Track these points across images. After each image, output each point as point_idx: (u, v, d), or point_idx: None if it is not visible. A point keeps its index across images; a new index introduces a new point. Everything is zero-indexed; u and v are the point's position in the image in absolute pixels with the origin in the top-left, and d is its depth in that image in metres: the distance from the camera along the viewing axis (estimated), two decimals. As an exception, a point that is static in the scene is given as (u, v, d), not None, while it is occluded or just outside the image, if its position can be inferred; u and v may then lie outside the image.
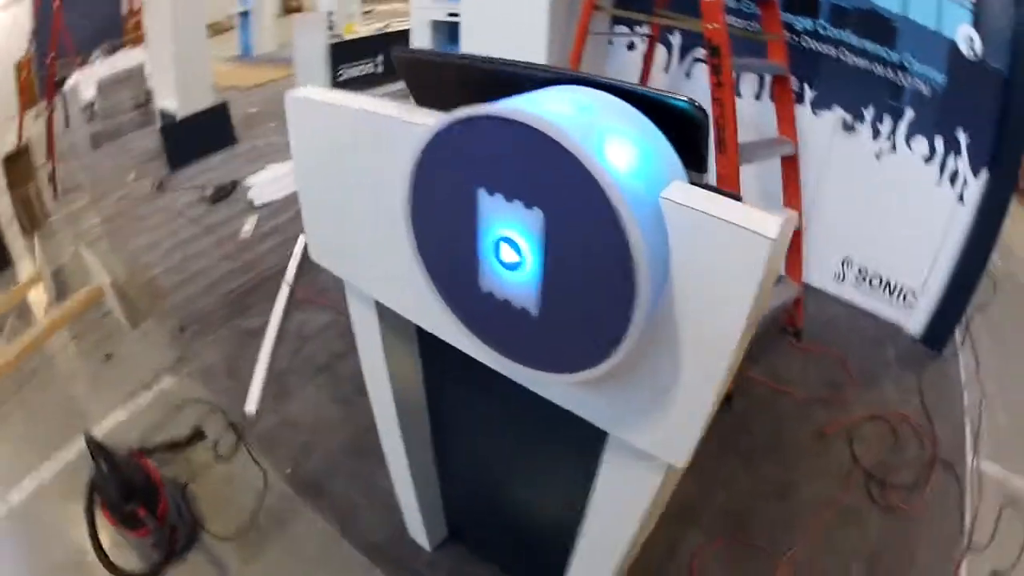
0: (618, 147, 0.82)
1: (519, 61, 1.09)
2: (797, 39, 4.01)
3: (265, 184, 5.01)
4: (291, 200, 4.77)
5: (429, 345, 1.67)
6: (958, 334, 4.48)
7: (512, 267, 0.91)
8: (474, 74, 1.17)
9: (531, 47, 4.08)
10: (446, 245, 1.00)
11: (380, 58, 7.34)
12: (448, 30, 4.95)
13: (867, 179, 4.15)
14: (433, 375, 1.81)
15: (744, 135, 3.23)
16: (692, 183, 0.88)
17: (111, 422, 3.09)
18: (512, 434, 1.79)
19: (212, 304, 3.84)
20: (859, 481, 3.42)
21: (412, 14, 5.05)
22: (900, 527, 3.24)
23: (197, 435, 2.94)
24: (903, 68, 3.86)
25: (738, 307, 0.85)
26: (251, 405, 3.13)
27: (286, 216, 4.70)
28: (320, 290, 3.97)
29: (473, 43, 4.29)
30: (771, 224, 0.80)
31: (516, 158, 0.82)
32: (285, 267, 4.11)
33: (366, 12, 9.63)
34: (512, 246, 0.89)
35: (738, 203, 0.85)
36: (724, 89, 3.11)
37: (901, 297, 4.39)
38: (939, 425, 3.85)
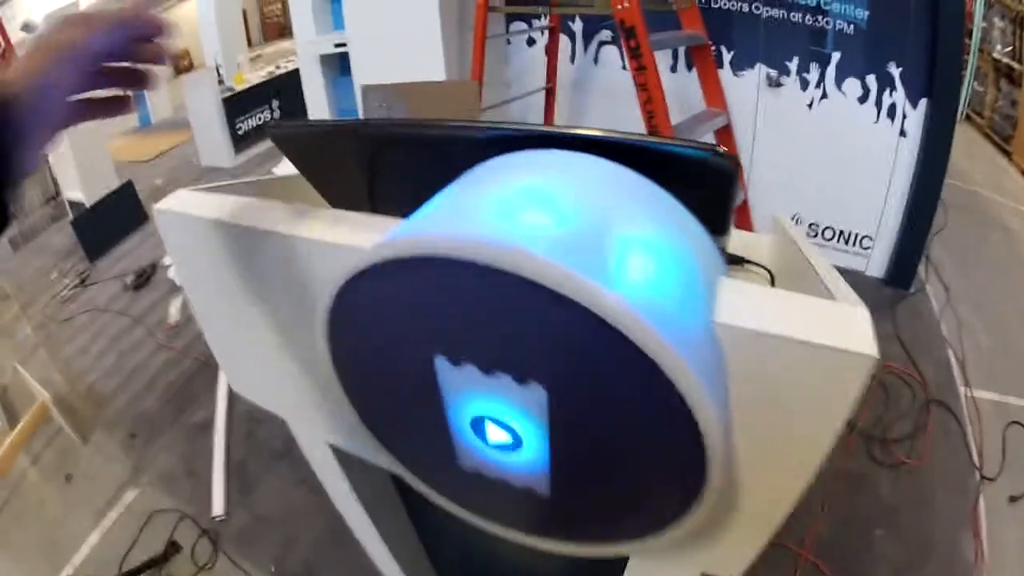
0: (652, 271, 0.49)
1: (435, 122, 0.78)
2: (706, 2, 3.75)
3: None
4: None
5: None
6: (921, 268, 4.36)
7: (504, 448, 0.58)
8: (377, 141, 0.85)
9: (427, 64, 3.80)
10: (399, 418, 0.67)
11: (276, 103, 6.96)
12: (338, 63, 4.62)
13: (802, 131, 3.92)
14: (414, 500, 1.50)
15: (672, 115, 2.99)
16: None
17: (87, 548, 2.89)
18: (514, 552, 1.50)
19: (156, 403, 3.57)
20: (860, 445, 3.27)
21: (298, 52, 4.69)
22: (911, 481, 3.11)
23: (173, 548, 2.75)
24: (822, 11, 3.65)
25: (824, 430, 0.62)
26: (218, 507, 2.91)
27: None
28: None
29: (365, 71, 3.98)
30: (867, 337, 0.57)
31: (490, 316, 0.50)
32: None
33: (254, 58, 9.27)
34: (500, 425, 0.56)
35: (809, 302, 0.60)
36: (647, 72, 2.85)
37: (858, 243, 4.22)
38: (924, 365, 3.71)
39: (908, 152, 3.77)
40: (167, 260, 4.70)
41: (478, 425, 0.58)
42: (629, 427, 0.52)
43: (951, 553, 2.81)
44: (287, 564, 2.69)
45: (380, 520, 1.47)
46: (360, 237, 0.68)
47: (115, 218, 5.20)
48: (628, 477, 0.57)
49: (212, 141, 6.32)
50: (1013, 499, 3.06)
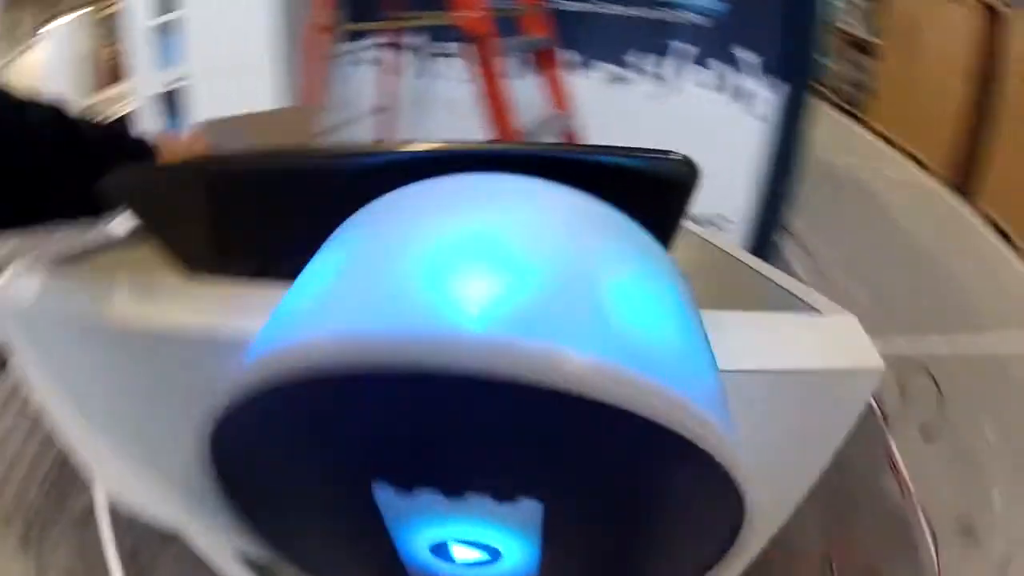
0: (666, 334, 0.37)
1: (307, 150, 0.64)
2: (547, 2, 3.67)
3: None
4: None
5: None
6: (783, 241, 4.48)
7: (478, 564, 0.45)
8: (236, 179, 0.70)
9: (264, 93, 3.65)
10: (324, 553, 0.52)
11: (114, 151, 6.57)
12: (173, 103, 4.34)
13: (653, 126, 3.87)
14: None
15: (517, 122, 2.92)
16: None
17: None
18: None
19: (40, 492, 3.14)
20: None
21: (134, 94, 4.46)
22: None
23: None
24: (670, 5, 3.65)
25: (823, 448, 0.62)
26: None
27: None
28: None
29: (203, 106, 3.79)
30: (869, 348, 0.55)
31: (455, 429, 0.34)
32: None
33: (92, 105, 8.73)
34: (473, 546, 0.42)
35: (800, 321, 0.55)
36: (495, 81, 2.76)
37: (716, 226, 4.28)
38: (801, 331, 3.80)
39: (764, 134, 3.83)
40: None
41: (440, 549, 0.44)
42: (655, 515, 0.40)
43: (874, 494, 2.93)
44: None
45: None
46: (236, 324, 0.52)
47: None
48: (644, 554, 0.45)
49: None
50: (924, 430, 3.18)
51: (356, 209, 0.49)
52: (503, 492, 0.36)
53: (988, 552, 2.65)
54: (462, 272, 0.35)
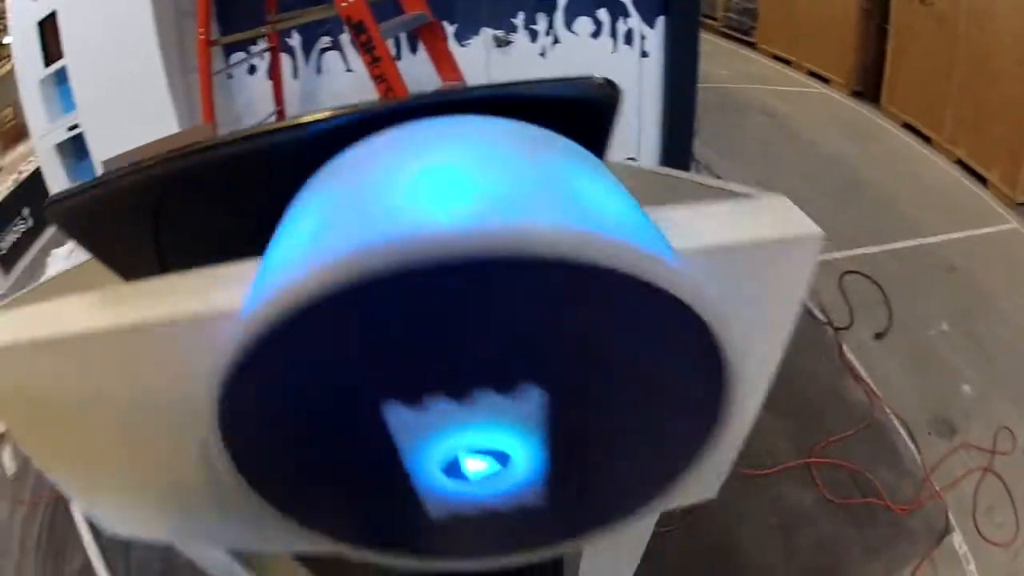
0: (614, 207, 0.41)
1: (247, 132, 0.66)
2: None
3: None
4: None
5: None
6: (692, 169, 4.57)
7: (488, 475, 0.48)
8: (175, 180, 0.70)
9: (160, 119, 3.54)
10: (335, 499, 0.53)
11: (27, 211, 6.36)
12: (73, 149, 4.25)
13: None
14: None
15: None
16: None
17: None
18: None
19: (32, 564, 3.26)
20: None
21: (36, 147, 4.35)
22: None
23: None
24: None
25: (782, 322, 0.63)
26: None
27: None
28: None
29: (103, 146, 3.67)
30: (800, 216, 0.58)
31: (461, 326, 0.37)
32: None
33: (-1, 171, 8.50)
34: (483, 454, 0.45)
35: (736, 205, 0.58)
36: (384, 63, 2.81)
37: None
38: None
39: (653, 70, 3.91)
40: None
41: (453, 468, 0.47)
42: (646, 389, 0.44)
43: (840, 402, 3.04)
44: None
45: None
46: (226, 295, 0.53)
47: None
48: (638, 443, 0.49)
49: (-35, 269, 5.75)
50: (878, 335, 3.33)
51: (294, 182, 0.51)
52: (505, 381, 0.39)
53: (969, 442, 2.86)
54: (435, 184, 0.38)
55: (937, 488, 2.69)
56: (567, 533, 0.59)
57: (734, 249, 0.52)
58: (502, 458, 0.46)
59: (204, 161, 0.71)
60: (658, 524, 2.40)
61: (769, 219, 0.55)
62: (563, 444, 0.46)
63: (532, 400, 0.41)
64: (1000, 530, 2.56)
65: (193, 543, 1.01)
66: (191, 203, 0.74)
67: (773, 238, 0.52)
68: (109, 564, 3.05)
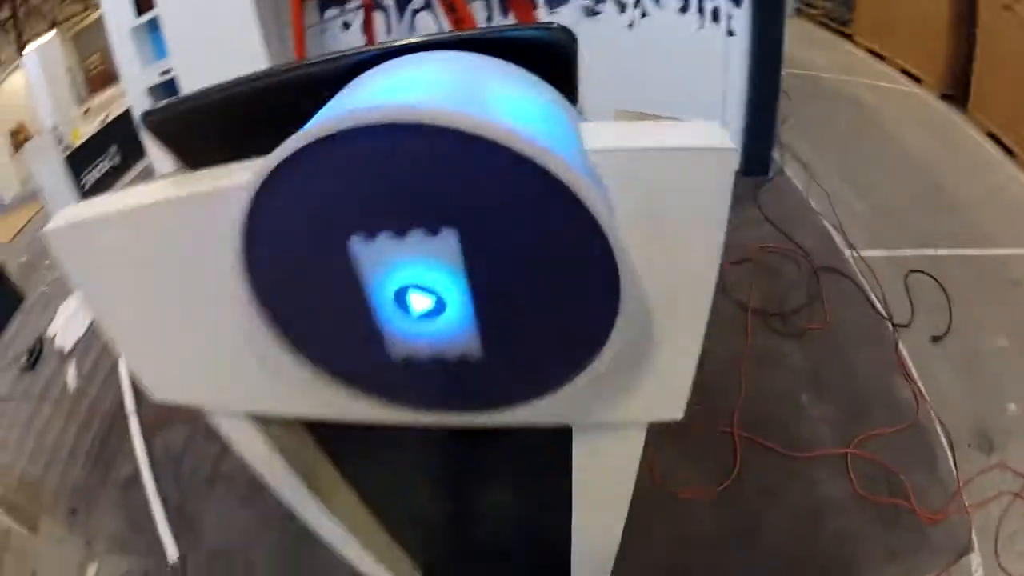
0: (523, 111, 0.56)
1: (314, 59, 0.82)
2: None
3: (65, 327, 4.62)
4: (93, 331, 4.46)
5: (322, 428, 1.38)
6: (776, 154, 4.58)
7: (430, 315, 0.64)
8: (265, 96, 0.88)
9: (253, 67, 3.72)
10: (327, 325, 0.70)
11: (114, 149, 6.83)
12: (165, 92, 4.50)
13: (628, 53, 4.07)
14: (345, 457, 1.54)
15: None
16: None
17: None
18: (453, 467, 1.59)
19: (83, 471, 3.53)
20: (758, 325, 3.43)
21: (127, 90, 4.58)
22: (821, 345, 3.29)
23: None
24: None
25: (711, 231, 0.71)
26: (171, 552, 2.96)
27: (99, 345, 4.31)
28: (164, 407, 3.61)
29: (193, 89, 3.91)
30: (722, 133, 0.67)
31: (396, 177, 0.54)
32: (121, 399, 3.82)
33: (85, 112, 9.02)
34: (422, 290, 0.62)
35: (668, 123, 0.69)
36: (467, 26, 2.96)
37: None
38: (801, 239, 3.92)
39: (738, 49, 3.98)
40: (51, 331, 4.67)
41: (401, 299, 0.62)
42: (543, 255, 0.59)
43: (888, 398, 3.04)
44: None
45: (319, 490, 1.47)
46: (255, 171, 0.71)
47: (-8, 309, 5.07)
48: (550, 309, 0.63)
49: (62, 204, 6.11)
50: (936, 339, 3.32)
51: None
52: (431, 226, 0.55)
53: (1006, 463, 2.82)
54: (412, 86, 0.56)
55: (967, 503, 2.68)
56: (505, 394, 0.74)
57: (649, 152, 0.64)
58: (440, 302, 0.62)
59: (259, 86, 0.90)
60: (692, 491, 2.51)
61: (691, 134, 0.66)
62: (486, 297, 0.61)
63: (451, 244, 0.56)
64: (1020, 560, 2.53)
65: (221, 407, 1.19)
66: (250, 118, 0.92)
67: (688, 146, 0.64)
68: (156, 474, 3.32)
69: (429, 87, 0.55)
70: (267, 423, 1.25)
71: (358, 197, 0.56)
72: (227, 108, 0.94)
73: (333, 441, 1.48)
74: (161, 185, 0.85)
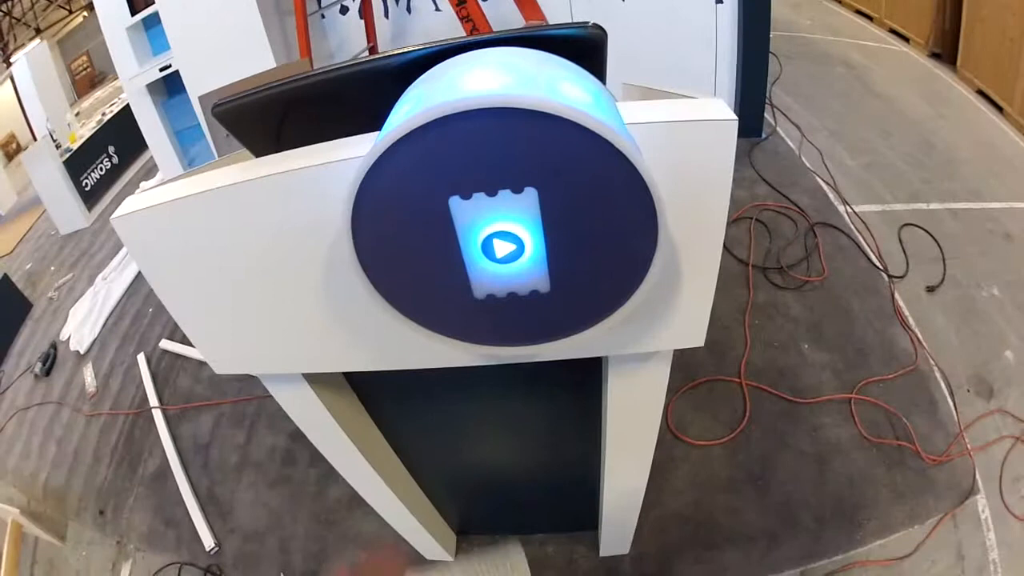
0: (583, 94, 0.74)
1: (376, 56, 0.99)
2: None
3: (77, 330, 4.69)
4: (107, 330, 4.61)
5: (370, 389, 1.58)
6: (768, 115, 4.76)
7: (510, 259, 0.83)
8: (331, 89, 1.05)
9: (256, 57, 3.92)
10: (420, 277, 0.88)
11: (112, 148, 6.96)
12: (164, 87, 4.73)
13: (621, 22, 4.24)
14: (384, 412, 1.71)
15: None
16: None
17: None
18: (492, 416, 1.74)
19: (108, 471, 3.61)
20: (758, 279, 3.62)
21: (125, 88, 4.77)
22: (820, 296, 3.48)
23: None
24: None
25: (720, 188, 0.90)
26: (207, 540, 3.03)
27: (113, 346, 4.45)
28: (185, 397, 3.82)
29: (199, 83, 4.07)
30: (725, 108, 0.86)
31: (490, 149, 0.72)
32: (144, 394, 3.91)
33: (77, 114, 9.11)
34: (506, 238, 0.81)
35: (681, 99, 0.88)
36: (469, 4, 3.13)
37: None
38: (796, 196, 4.11)
39: (727, 16, 4.13)
40: (64, 333, 4.73)
41: (487, 247, 0.82)
42: (601, 206, 0.78)
43: (887, 346, 3.21)
44: (293, 565, 2.85)
45: (359, 442, 1.63)
46: (351, 151, 0.89)
47: (2, 319, 5.16)
48: (604, 249, 0.82)
49: (64, 207, 6.30)
50: (931, 288, 3.49)
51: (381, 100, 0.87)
52: (516, 185, 0.75)
53: (1005, 408, 2.98)
54: (484, 76, 0.74)
55: (969, 447, 2.81)
56: (569, 323, 0.92)
57: (670, 124, 0.84)
58: (520, 245, 0.81)
59: (318, 81, 1.08)
60: (706, 439, 2.68)
61: (698, 109, 0.85)
62: (555, 240, 0.81)
63: (532, 199, 0.76)
64: (1023, 503, 2.64)
65: (276, 371, 1.34)
66: (306, 110, 1.10)
67: (695, 119, 0.83)
68: (185, 464, 3.43)
69: (507, 77, 0.73)
70: (322, 387, 1.42)
71: (458, 167, 0.74)
72: (289, 100, 1.11)
73: (378, 402, 1.66)
74: (232, 170, 0.98)
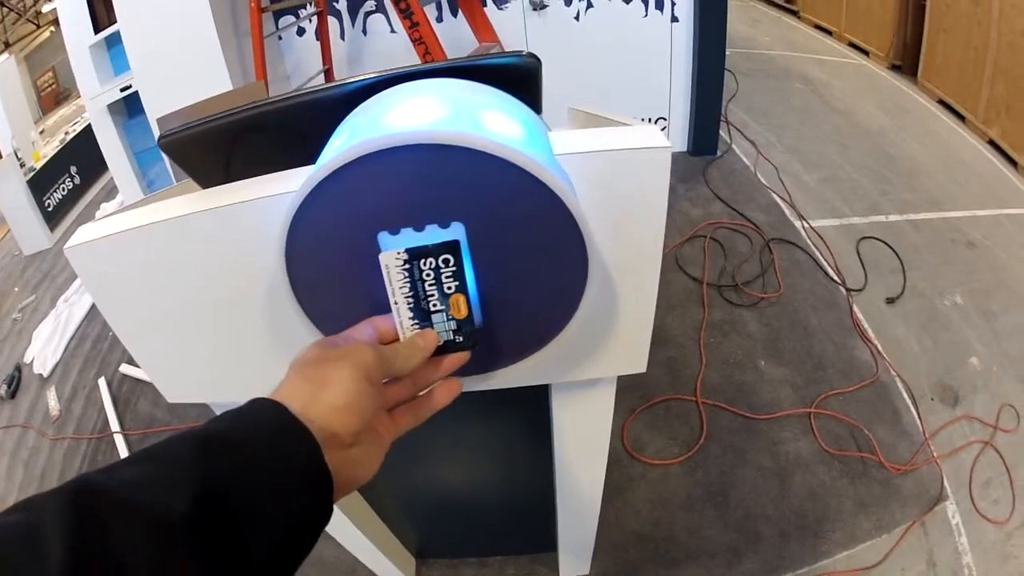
0: (511, 127, 0.76)
1: (320, 86, 1.00)
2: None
3: (40, 352, 4.64)
4: (70, 353, 4.57)
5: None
6: (724, 133, 4.81)
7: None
8: (278, 119, 1.05)
9: (213, 78, 3.93)
10: (353, 310, 0.86)
11: (74, 169, 6.90)
12: (125, 107, 4.70)
13: (576, 42, 4.35)
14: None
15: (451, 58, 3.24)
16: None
17: None
18: (445, 441, 1.74)
19: None
20: (713, 297, 3.64)
21: (87, 108, 4.70)
22: (776, 312, 3.51)
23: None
24: None
25: (655, 214, 0.92)
26: None
27: (75, 369, 4.40)
28: (146, 422, 3.80)
29: (158, 104, 4.03)
30: (659, 135, 0.88)
31: (416, 184, 0.73)
32: (105, 419, 3.89)
33: (41, 132, 9.00)
34: None
35: (616, 127, 0.90)
36: (422, 27, 3.14)
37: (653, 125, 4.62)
38: (751, 213, 4.15)
39: (683, 34, 4.23)
40: (28, 357, 4.69)
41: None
42: (529, 240, 0.78)
43: (846, 360, 3.24)
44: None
45: None
46: (289, 184, 0.90)
47: (-38, 340, 5.03)
48: (534, 282, 0.83)
49: (27, 228, 6.20)
50: (890, 300, 3.55)
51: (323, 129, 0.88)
52: (443, 220, 0.75)
53: (972, 414, 3.01)
54: (424, 111, 0.75)
55: (935, 454, 2.84)
56: (504, 355, 0.93)
57: (603, 153, 0.85)
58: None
59: (263, 112, 1.08)
60: (663, 458, 2.70)
61: (633, 137, 0.87)
62: (485, 274, 0.81)
63: (459, 233, 0.76)
64: (995, 507, 2.66)
65: (230, 402, 1.31)
66: (252, 140, 1.10)
67: (628, 147, 0.84)
68: None
69: (434, 111, 0.74)
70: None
71: (383, 202, 0.74)
72: (234, 131, 1.10)
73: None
74: (178, 202, 0.99)
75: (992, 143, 4.81)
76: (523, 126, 0.77)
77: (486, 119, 0.74)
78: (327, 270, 0.83)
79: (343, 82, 0.98)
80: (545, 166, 0.71)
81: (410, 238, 0.77)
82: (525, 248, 0.79)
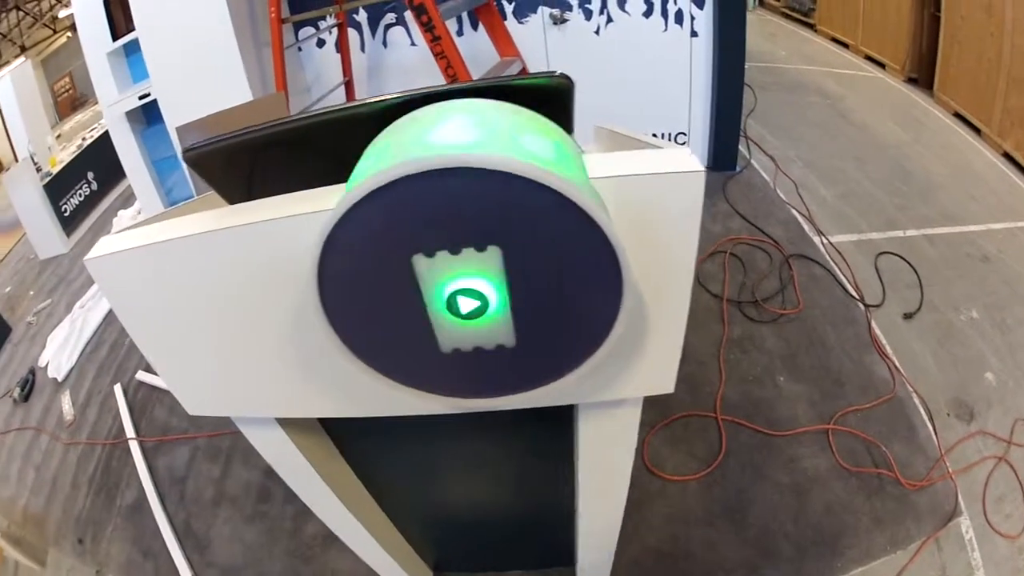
0: (547, 151, 0.75)
1: (345, 104, 0.99)
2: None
3: (56, 356, 4.64)
4: (85, 358, 4.56)
5: (343, 431, 1.57)
6: (743, 147, 4.79)
7: (475, 315, 0.82)
8: (306, 136, 1.04)
9: (233, 89, 3.92)
10: (386, 331, 0.88)
11: (91, 174, 6.91)
12: (143, 115, 4.70)
13: (595, 57, 4.32)
14: (357, 454, 1.70)
15: (472, 73, 3.25)
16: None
17: None
18: (466, 457, 1.74)
19: (86, 500, 3.57)
20: (733, 313, 3.61)
21: (105, 115, 4.72)
22: (795, 328, 3.47)
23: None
24: None
25: (687, 237, 0.91)
26: (185, 573, 2.99)
27: (91, 374, 4.40)
28: (162, 430, 3.79)
29: (177, 113, 4.03)
30: (692, 158, 0.86)
31: (453, 208, 0.72)
32: (120, 425, 3.87)
33: (58, 137, 9.05)
34: (470, 295, 0.80)
35: (648, 149, 0.88)
36: (443, 41, 3.11)
37: (672, 141, 4.62)
38: (771, 228, 4.11)
39: (702, 49, 4.20)
40: (42, 359, 4.68)
41: (452, 303, 0.81)
42: (564, 262, 0.77)
43: (864, 376, 3.20)
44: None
45: (332, 482, 1.62)
46: (320, 203, 0.89)
47: (-23, 342, 5.06)
48: (568, 304, 0.82)
49: (43, 232, 6.23)
50: (908, 315, 3.51)
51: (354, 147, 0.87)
52: (480, 244, 0.74)
53: (987, 430, 2.98)
54: (463, 133, 0.74)
55: (951, 470, 2.81)
56: (535, 376, 0.92)
57: (637, 177, 0.84)
58: (484, 302, 0.80)
59: (294, 127, 1.08)
60: (681, 474, 2.69)
61: (666, 160, 0.86)
62: (519, 296, 0.80)
63: (496, 257, 0.75)
64: (1008, 521, 2.63)
65: (252, 415, 1.34)
66: (279, 155, 1.10)
67: (661, 171, 0.83)
68: (162, 496, 3.38)
69: (470, 133, 0.73)
70: (294, 429, 1.41)
71: (420, 225, 0.74)
72: (258, 146, 1.10)
73: (351, 444, 1.64)
74: (206, 217, 0.98)
75: (1007, 156, 4.78)
76: (558, 150, 0.76)
77: (521, 142, 0.73)
78: (359, 291, 0.83)
79: (371, 100, 0.98)
80: (583, 192, 0.70)
81: (446, 262, 0.76)
82: (560, 271, 0.79)
